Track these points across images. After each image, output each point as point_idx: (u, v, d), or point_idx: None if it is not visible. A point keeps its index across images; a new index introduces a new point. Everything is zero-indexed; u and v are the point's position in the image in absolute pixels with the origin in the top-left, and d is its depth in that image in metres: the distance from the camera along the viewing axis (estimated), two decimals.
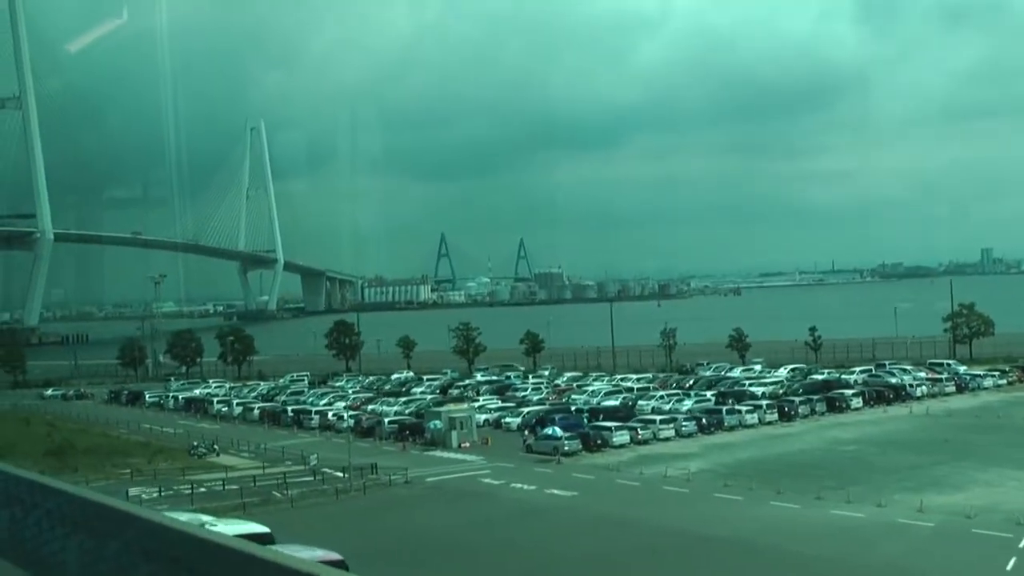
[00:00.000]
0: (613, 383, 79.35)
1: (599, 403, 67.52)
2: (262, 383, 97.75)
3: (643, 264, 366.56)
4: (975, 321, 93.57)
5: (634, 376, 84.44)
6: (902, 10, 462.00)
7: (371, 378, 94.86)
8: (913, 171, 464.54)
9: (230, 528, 25.70)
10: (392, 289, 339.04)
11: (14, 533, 10.28)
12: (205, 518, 29.58)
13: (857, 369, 78.75)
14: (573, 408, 65.35)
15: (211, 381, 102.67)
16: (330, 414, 69.81)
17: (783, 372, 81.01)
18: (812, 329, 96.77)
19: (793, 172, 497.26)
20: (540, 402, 71.39)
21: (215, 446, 58.30)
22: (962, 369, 78.66)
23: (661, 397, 69.17)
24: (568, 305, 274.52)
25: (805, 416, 62.10)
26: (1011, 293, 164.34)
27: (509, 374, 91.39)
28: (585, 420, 59.26)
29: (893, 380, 72.54)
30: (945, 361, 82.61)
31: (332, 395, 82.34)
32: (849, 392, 67.50)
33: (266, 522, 30.52)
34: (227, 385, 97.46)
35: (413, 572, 31.73)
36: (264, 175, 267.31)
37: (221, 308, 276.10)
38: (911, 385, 70.51)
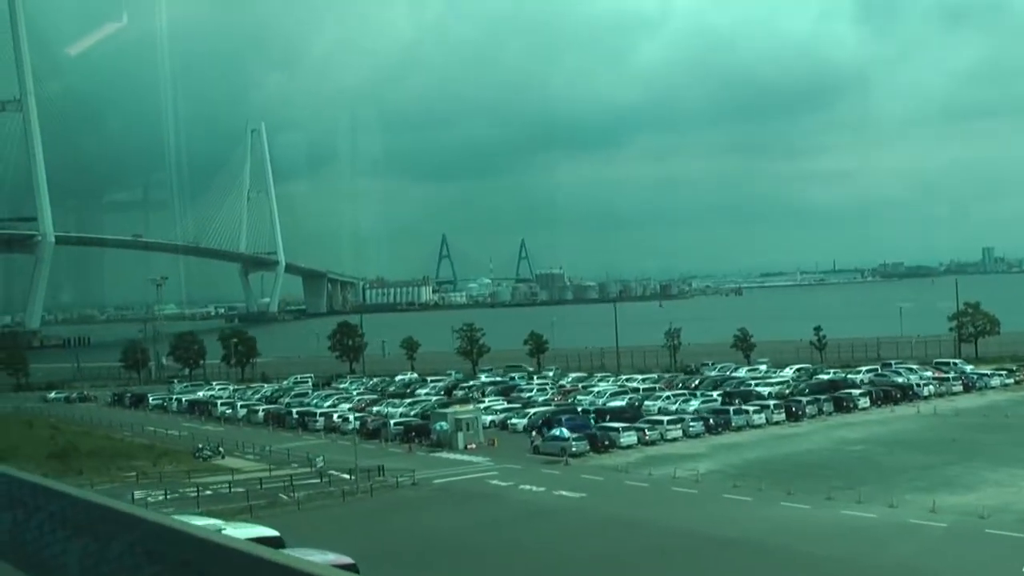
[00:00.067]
0: (619, 383, 78.95)
1: (605, 404, 67.24)
2: (266, 385, 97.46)
3: (644, 264, 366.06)
4: (980, 320, 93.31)
5: (639, 376, 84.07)
6: (902, 10, 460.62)
7: (375, 380, 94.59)
8: (913, 171, 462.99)
9: (239, 532, 25.36)
10: (393, 290, 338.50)
11: (17, 536, 10.04)
12: (214, 522, 29.32)
13: (863, 369, 78.39)
14: (579, 409, 65.02)
15: (215, 383, 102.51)
16: (335, 416, 69.63)
17: (789, 372, 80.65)
18: (817, 329, 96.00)
19: (793, 172, 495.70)
20: (545, 403, 71.11)
21: (220, 448, 58.13)
22: (968, 368, 78.37)
23: (667, 397, 68.80)
24: (570, 306, 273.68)
25: (812, 416, 61.92)
26: (1014, 292, 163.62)
27: (514, 375, 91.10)
28: (592, 421, 59.04)
29: (900, 380, 72.30)
30: (951, 360, 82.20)
31: (336, 397, 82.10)
32: (856, 392, 67.32)
33: (273, 525, 30.38)
34: (231, 387, 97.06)
35: (422, 574, 31.55)
36: (265, 177, 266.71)
37: (222, 310, 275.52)
38: (918, 385, 70.21)
